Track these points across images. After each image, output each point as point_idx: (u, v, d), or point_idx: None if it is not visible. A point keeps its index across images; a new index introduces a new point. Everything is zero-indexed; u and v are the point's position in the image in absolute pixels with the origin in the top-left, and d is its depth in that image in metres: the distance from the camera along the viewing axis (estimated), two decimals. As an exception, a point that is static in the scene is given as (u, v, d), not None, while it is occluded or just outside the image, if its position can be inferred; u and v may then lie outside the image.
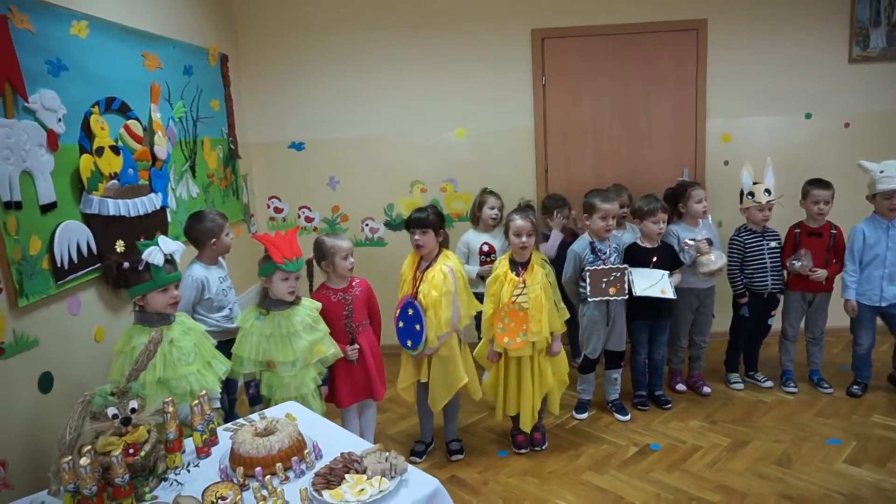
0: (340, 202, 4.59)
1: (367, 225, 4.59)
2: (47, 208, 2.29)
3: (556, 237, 3.86)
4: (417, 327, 2.91)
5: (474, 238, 3.85)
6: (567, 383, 3.20)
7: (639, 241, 3.50)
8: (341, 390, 2.91)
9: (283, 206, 4.63)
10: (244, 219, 4.31)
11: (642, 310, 3.45)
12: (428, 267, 2.97)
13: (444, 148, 4.46)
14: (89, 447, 1.71)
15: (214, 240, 2.98)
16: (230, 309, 3.03)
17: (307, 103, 4.48)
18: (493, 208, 3.82)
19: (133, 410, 1.85)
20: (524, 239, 2.95)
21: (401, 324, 2.95)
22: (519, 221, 2.97)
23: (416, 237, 2.93)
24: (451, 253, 3.03)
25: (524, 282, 2.95)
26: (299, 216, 4.61)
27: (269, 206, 4.62)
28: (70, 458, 1.66)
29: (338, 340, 2.80)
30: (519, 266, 3.01)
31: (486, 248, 3.81)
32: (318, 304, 2.73)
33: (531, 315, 2.93)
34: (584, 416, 3.56)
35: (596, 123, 4.40)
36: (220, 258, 3.09)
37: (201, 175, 3.63)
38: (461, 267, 3.03)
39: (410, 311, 2.93)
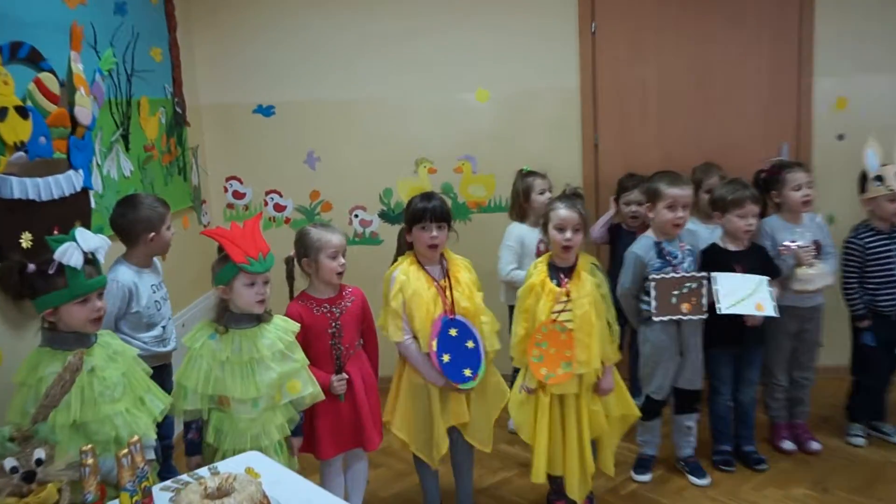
0: (321, 186, 4.61)
1: (356, 216, 4.63)
2: (-71, 188, 2.26)
3: (605, 217, 3.91)
4: (470, 344, 2.94)
5: (529, 234, 3.86)
6: (626, 429, 3.18)
7: (719, 242, 3.47)
8: (323, 436, 2.90)
9: (245, 189, 4.66)
10: (193, 206, 4.33)
11: (722, 334, 3.41)
12: (447, 270, 3.02)
13: (461, 115, 4.48)
14: (-22, 513, 1.69)
15: (153, 234, 2.98)
16: (163, 328, 3.03)
17: (279, 54, 4.50)
18: (543, 192, 3.86)
19: (39, 462, 1.81)
20: (569, 235, 2.94)
21: (446, 357, 2.91)
22: (563, 211, 2.96)
23: (434, 234, 2.94)
24: (447, 249, 3.08)
25: (568, 294, 2.94)
26: (266, 203, 4.66)
27: (226, 190, 4.68)
28: (-48, 527, 1.63)
29: (320, 366, 2.82)
30: (561, 272, 3.00)
31: (542, 247, 3.80)
32: (296, 326, 2.72)
33: (577, 339, 2.92)
34: (647, 477, 3.53)
35: (663, 84, 4.39)
36: (154, 259, 3.10)
37: (137, 147, 3.63)
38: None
39: (453, 332, 2.93)
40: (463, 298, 2.94)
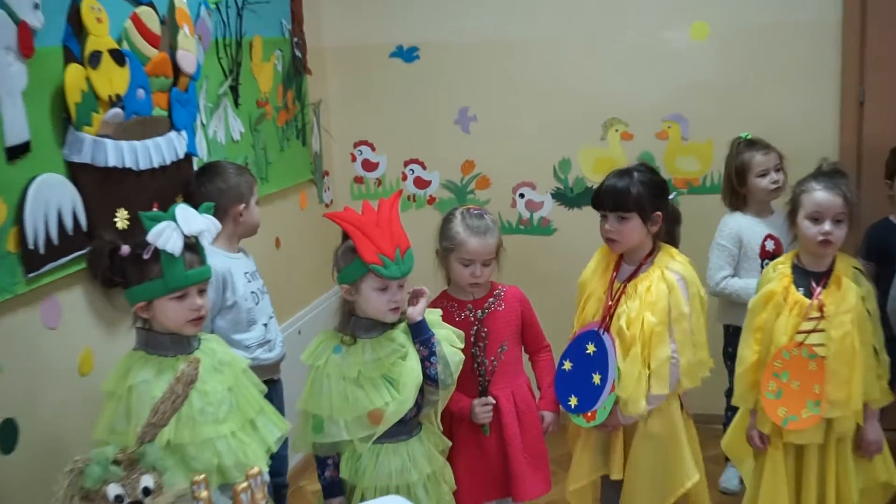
0: (477, 154, 4.75)
1: (521, 196, 4.74)
2: (17, 152, 2.43)
3: None
4: (596, 379, 2.98)
5: (749, 229, 3.87)
6: (885, 502, 3.15)
7: None
8: (461, 478, 3.02)
9: (378, 158, 4.87)
10: (313, 179, 4.54)
11: None
12: (635, 274, 3.04)
13: (668, 60, 4.50)
14: (79, 545, 1.86)
15: (243, 206, 3.16)
16: (265, 326, 3.22)
17: (425, -20, 4.65)
18: (765, 174, 3.83)
19: (146, 492, 1.95)
20: (828, 227, 2.92)
21: (567, 365, 3.07)
22: (821, 193, 2.94)
23: (607, 226, 3.03)
24: (677, 252, 3.10)
25: (822, 308, 2.93)
26: (405, 177, 4.85)
27: (354, 159, 4.89)
28: (51, 560, 1.82)
29: (460, 388, 2.93)
30: (811, 278, 2.99)
31: (771, 245, 3.82)
32: (436, 311, 2.88)
33: (832, 370, 2.90)
34: None
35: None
36: (240, 247, 3.31)
37: (248, 102, 3.83)
38: (696, 277, 3.07)
39: (591, 349, 3.02)
40: (621, 315, 2.99)
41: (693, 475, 3.03)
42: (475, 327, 3.04)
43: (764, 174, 3.83)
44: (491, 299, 3.09)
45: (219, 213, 2.98)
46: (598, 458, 3.12)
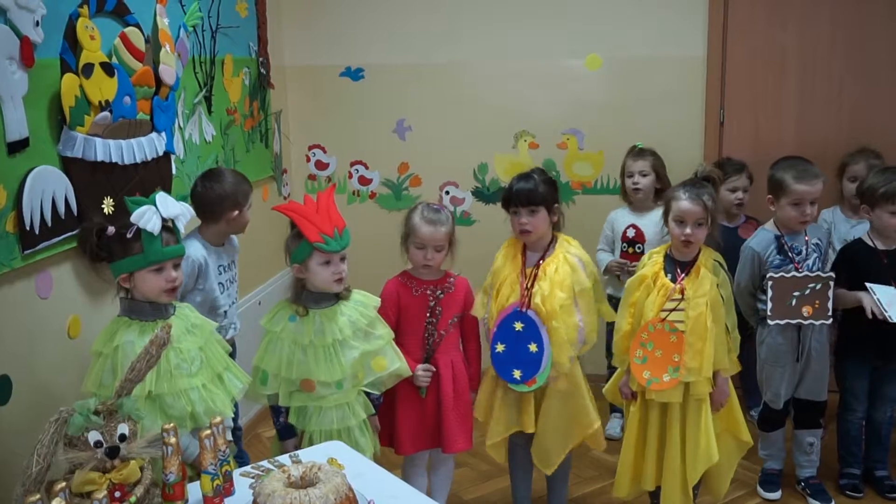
0: (411, 158, 4.73)
1: (447, 193, 4.73)
2: (17, 147, 2.40)
3: None
4: (533, 348, 2.94)
5: (619, 218, 3.99)
6: (742, 453, 3.18)
7: (867, 238, 3.42)
8: (402, 430, 3.01)
9: (328, 159, 4.82)
10: (273, 176, 4.48)
11: (861, 342, 3.39)
12: (542, 258, 3.02)
13: (568, 84, 4.52)
14: (63, 484, 1.76)
15: (236, 212, 3.10)
16: (224, 313, 3.15)
17: (371, 12, 4.60)
18: (631, 175, 3.91)
19: (122, 438, 1.91)
20: (689, 230, 2.93)
21: (499, 347, 3.00)
22: (685, 203, 2.94)
23: (523, 219, 2.98)
24: (571, 238, 3.10)
25: (682, 292, 2.94)
26: (351, 175, 4.80)
27: (308, 160, 4.84)
28: (38, 496, 1.72)
29: (409, 352, 2.93)
30: (678, 267, 3.00)
31: (631, 232, 3.89)
32: (376, 301, 2.82)
33: (688, 343, 2.92)
34: (777, 494, 3.52)
35: (807, 54, 4.31)
36: (233, 237, 3.26)
37: (219, 110, 3.79)
38: (590, 257, 3.09)
39: (518, 326, 2.97)
40: (537, 294, 2.96)
41: (595, 422, 3.07)
42: (432, 303, 3.00)
43: (629, 176, 3.91)
44: (447, 284, 3.04)
45: (215, 214, 3.08)
46: (513, 417, 3.09)
